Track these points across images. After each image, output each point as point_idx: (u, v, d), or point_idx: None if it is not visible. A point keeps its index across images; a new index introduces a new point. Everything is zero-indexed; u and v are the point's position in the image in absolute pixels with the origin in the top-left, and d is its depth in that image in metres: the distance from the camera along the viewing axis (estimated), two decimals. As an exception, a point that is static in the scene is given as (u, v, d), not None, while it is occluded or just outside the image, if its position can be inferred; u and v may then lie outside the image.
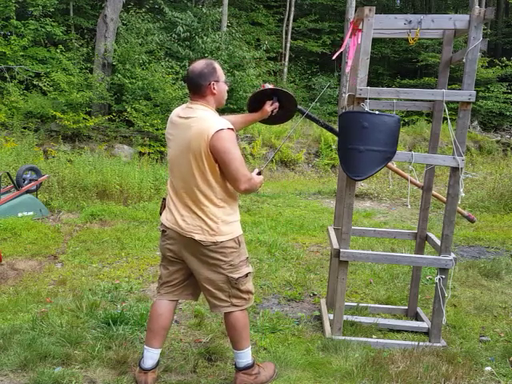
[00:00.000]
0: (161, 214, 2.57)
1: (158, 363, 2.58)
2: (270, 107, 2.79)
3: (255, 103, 2.83)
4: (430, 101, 3.45)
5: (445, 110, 3.20)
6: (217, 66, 2.46)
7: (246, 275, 2.48)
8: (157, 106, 11.44)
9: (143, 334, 3.08)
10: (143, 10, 14.23)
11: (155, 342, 2.55)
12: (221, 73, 2.46)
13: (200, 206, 2.38)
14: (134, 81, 11.63)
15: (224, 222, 2.39)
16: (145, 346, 2.57)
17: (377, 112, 2.92)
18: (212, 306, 2.53)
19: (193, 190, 2.38)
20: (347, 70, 3.28)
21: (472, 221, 3.81)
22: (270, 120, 2.93)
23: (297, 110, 2.97)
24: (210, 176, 2.34)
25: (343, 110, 3.29)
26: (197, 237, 2.37)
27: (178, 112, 2.50)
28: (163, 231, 2.53)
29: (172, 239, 2.48)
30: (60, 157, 8.13)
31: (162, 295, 2.60)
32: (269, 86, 2.96)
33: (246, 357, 2.54)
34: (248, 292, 2.51)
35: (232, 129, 2.35)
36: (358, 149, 2.87)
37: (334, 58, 3.59)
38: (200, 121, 2.35)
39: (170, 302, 2.59)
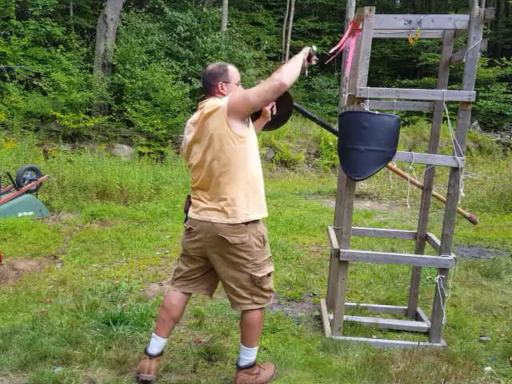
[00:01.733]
0: (185, 211, 2.57)
1: (161, 353, 2.63)
2: (268, 107, 2.78)
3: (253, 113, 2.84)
4: (430, 101, 3.45)
5: (445, 110, 3.20)
6: (230, 68, 2.53)
7: (269, 274, 2.51)
8: (157, 106, 11.45)
9: (143, 334, 3.09)
10: (143, 9, 14.24)
11: (163, 332, 2.60)
12: (233, 76, 2.52)
13: (232, 188, 2.38)
14: (134, 81, 11.63)
15: (253, 204, 2.41)
16: (153, 334, 2.62)
17: (377, 112, 2.92)
18: (233, 303, 2.55)
19: (214, 177, 2.39)
20: (346, 73, 3.28)
21: (474, 222, 3.81)
22: (272, 123, 2.92)
23: (294, 106, 2.97)
24: (242, 146, 2.36)
25: (343, 110, 3.28)
26: (230, 220, 2.36)
27: (191, 117, 2.56)
28: (189, 228, 2.53)
29: (198, 234, 2.47)
30: (60, 157, 8.13)
31: (176, 287, 2.64)
32: (262, 81, 2.95)
33: (251, 355, 2.56)
34: (270, 291, 2.54)
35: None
36: (358, 149, 2.87)
37: (330, 59, 3.58)
38: (207, 107, 2.39)
39: (183, 295, 2.63)
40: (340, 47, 3.35)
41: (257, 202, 2.45)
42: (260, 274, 2.46)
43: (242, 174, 2.39)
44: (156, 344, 2.59)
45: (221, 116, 2.34)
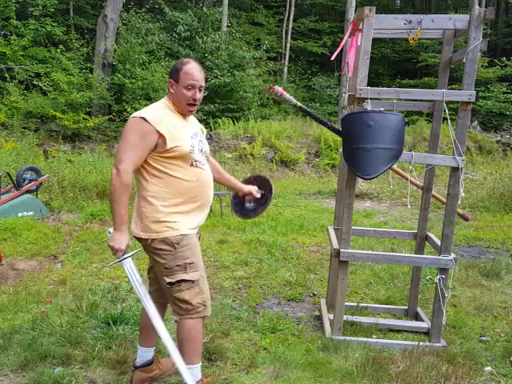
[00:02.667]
0: None
1: (149, 364, 2.55)
2: (250, 189, 2.66)
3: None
4: (430, 101, 3.45)
5: (445, 110, 3.20)
6: (186, 68, 2.25)
7: (180, 282, 2.23)
8: (157, 106, 11.44)
9: (143, 334, 3.08)
10: (143, 9, 14.25)
11: (140, 340, 2.57)
12: (185, 78, 2.24)
13: (137, 201, 2.37)
14: (134, 81, 11.64)
15: (150, 220, 2.27)
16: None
17: (382, 109, 2.90)
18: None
19: (137, 186, 2.38)
20: (349, 74, 3.27)
21: (466, 219, 3.82)
22: (248, 212, 2.76)
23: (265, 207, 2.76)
24: (141, 169, 2.30)
25: (343, 110, 3.28)
26: (134, 231, 2.34)
27: None
28: None
29: None
30: (60, 157, 8.14)
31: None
32: (279, 88, 2.89)
33: (192, 374, 2.26)
34: (185, 302, 2.25)
35: (143, 118, 2.17)
36: (366, 148, 2.82)
37: (332, 58, 3.58)
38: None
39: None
40: (339, 47, 3.35)
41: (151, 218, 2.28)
42: (168, 280, 2.24)
43: (141, 186, 2.33)
44: (138, 353, 2.57)
45: None
